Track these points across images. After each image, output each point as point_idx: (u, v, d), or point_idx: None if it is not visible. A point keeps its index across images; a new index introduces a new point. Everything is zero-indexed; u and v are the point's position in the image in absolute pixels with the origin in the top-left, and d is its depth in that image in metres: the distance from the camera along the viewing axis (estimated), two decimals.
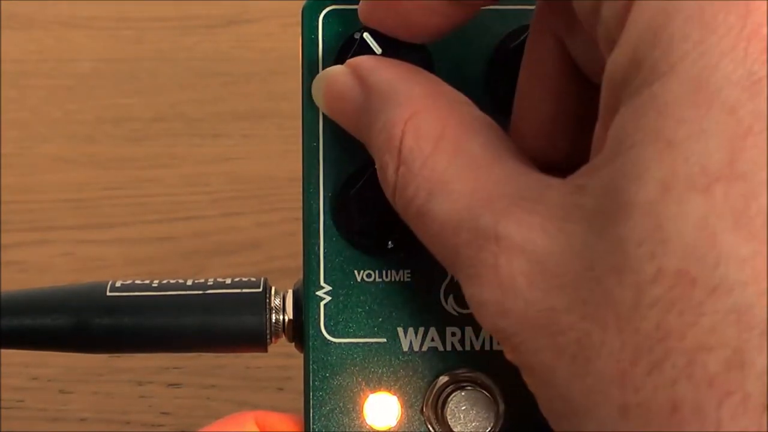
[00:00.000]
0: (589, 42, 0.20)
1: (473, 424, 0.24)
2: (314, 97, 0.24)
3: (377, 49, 0.24)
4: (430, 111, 0.21)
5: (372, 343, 0.25)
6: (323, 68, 0.25)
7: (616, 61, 0.18)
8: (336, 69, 0.23)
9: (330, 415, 0.25)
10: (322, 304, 0.25)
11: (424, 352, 0.25)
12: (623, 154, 0.17)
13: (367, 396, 0.25)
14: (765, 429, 0.16)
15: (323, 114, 0.25)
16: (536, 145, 0.22)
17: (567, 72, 0.22)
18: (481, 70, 0.25)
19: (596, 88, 0.20)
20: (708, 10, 0.17)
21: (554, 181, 0.19)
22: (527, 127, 0.22)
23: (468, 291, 0.19)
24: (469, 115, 0.21)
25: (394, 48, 0.24)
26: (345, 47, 0.24)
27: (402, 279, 0.25)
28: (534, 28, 0.22)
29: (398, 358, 0.25)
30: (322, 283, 0.25)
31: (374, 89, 0.22)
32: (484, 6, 0.22)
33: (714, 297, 0.16)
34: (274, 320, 0.26)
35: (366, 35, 0.24)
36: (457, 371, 0.25)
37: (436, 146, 0.20)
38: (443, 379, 0.25)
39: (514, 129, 0.23)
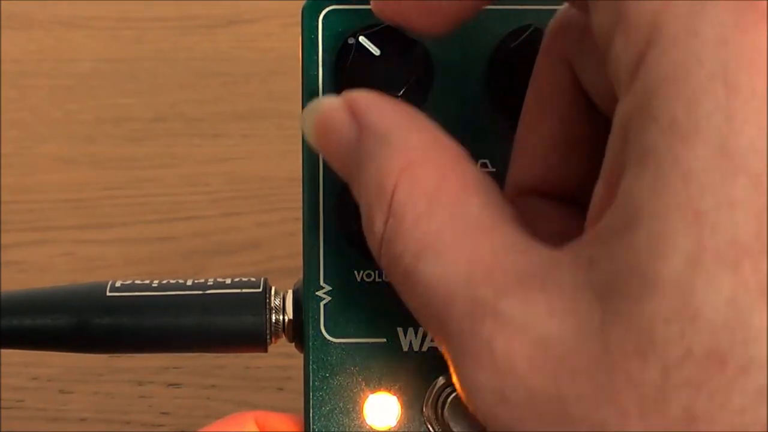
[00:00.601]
0: (599, 67, 0.19)
1: (473, 425, 0.24)
2: (303, 126, 0.22)
3: (375, 51, 0.24)
4: (427, 164, 0.19)
5: (372, 343, 0.25)
6: (323, 68, 0.25)
7: (627, 109, 0.17)
8: (330, 101, 0.21)
9: (330, 415, 0.25)
10: (322, 304, 0.25)
11: (424, 352, 0.25)
12: (644, 226, 0.16)
13: (367, 396, 0.25)
14: None
15: None
16: (540, 168, 0.21)
17: (575, 97, 0.21)
18: (481, 70, 0.25)
19: (603, 116, 0.20)
20: (731, 69, 0.16)
21: (560, 256, 0.18)
22: (531, 150, 0.22)
23: (460, 372, 0.18)
24: (468, 173, 0.20)
25: (391, 49, 0.24)
26: (342, 52, 0.24)
27: None
28: (544, 50, 0.22)
29: (398, 358, 0.25)
30: (322, 283, 0.25)
31: (369, 130, 0.20)
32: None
33: (744, 376, 0.15)
34: (274, 320, 0.26)
35: (362, 38, 0.24)
36: None
37: (431, 204, 0.19)
38: (443, 379, 0.25)
39: (517, 152, 0.22)
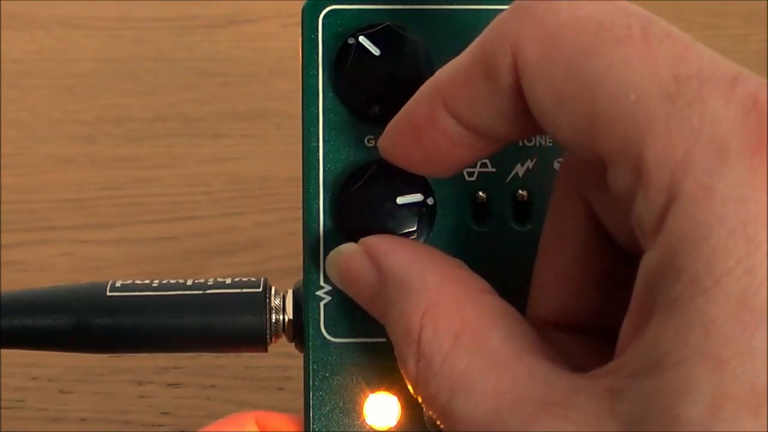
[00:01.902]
0: (616, 206, 0.20)
1: None
2: (328, 273, 0.24)
3: (375, 51, 0.24)
4: (447, 302, 0.20)
5: (372, 343, 0.25)
6: (323, 68, 0.25)
7: (652, 262, 0.18)
8: (350, 248, 0.23)
9: (330, 415, 0.25)
10: (322, 304, 0.25)
11: None
12: (670, 370, 0.17)
13: (367, 396, 0.25)
14: None
15: (323, 114, 0.25)
16: (556, 298, 0.22)
17: (592, 232, 0.21)
18: None
19: (622, 251, 0.20)
20: (751, 225, 0.17)
21: (583, 383, 0.18)
22: (550, 283, 0.22)
23: None
24: (488, 306, 0.21)
25: (391, 49, 0.24)
26: (342, 52, 0.24)
27: None
28: (559, 184, 0.22)
29: None
30: (322, 283, 0.25)
31: (389, 275, 0.22)
32: (507, 144, 0.22)
33: None
34: (274, 320, 0.26)
35: (362, 38, 0.24)
36: None
37: (456, 341, 0.20)
38: None
39: (536, 284, 0.22)
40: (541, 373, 0.19)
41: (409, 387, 0.21)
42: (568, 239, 0.22)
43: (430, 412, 0.20)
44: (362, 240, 0.23)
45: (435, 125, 0.21)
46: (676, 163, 0.17)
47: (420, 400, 0.21)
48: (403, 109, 0.22)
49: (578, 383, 0.18)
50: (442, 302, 0.20)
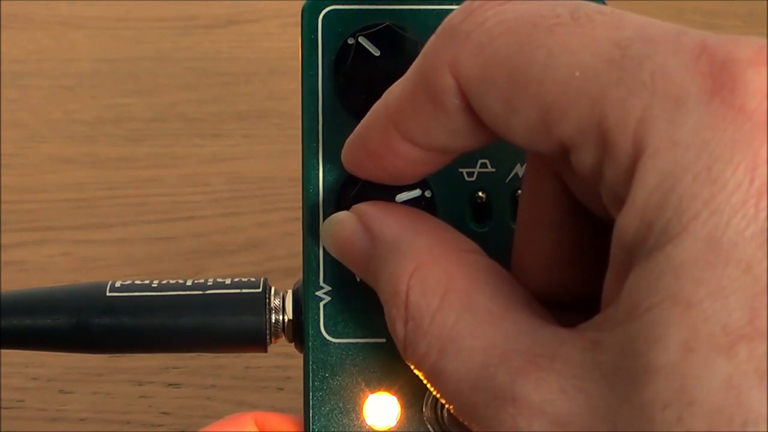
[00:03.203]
0: (587, 183, 0.20)
1: None
2: (322, 241, 0.24)
3: (375, 51, 0.24)
4: (435, 263, 0.21)
5: (372, 343, 0.25)
6: (323, 68, 0.25)
7: (625, 223, 0.18)
8: (343, 216, 0.23)
9: (330, 415, 0.25)
10: (321, 304, 0.25)
11: None
12: (641, 317, 0.17)
13: (367, 396, 0.25)
14: None
15: (323, 114, 0.25)
16: (538, 275, 0.22)
17: (566, 204, 0.21)
18: None
19: (597, 219, 0.20)
20: (715, 168, 0.16)
21: (567, 335, 0.19)
22: (528, 258, 0.22)
23: None
24: (475, 265, 0.21)
25: (391, 49, 0.24)
26: (342, 52, 0.24)
27: None
28: (530, 160, 0.22)
29: (398, 358, 0.25)
30: (321, 283, 0.25)
31: (380, 238, 0.22)
32: (463, 153, 0.22)
33: None
34: (273, 320, 0.26)
35: (361, 39, 0.24)
36: None
37: (443, 300, 0.20)
38: None
39: (515, 260, 0.22)
40: (527, 327, 0.19)
41: (400, 351, 0.21)
42: (544, 214, 0.22)
43: (420, 374, 0.21)
44: (354, 207, 0.23)
45: (392, 151, 0.21)
46: (637, 122, 0.17)
47: (409, 363, 0.21)
48: (358, 131, 0.22)
49: (564, 336, 0.19)
50: (429, 263, 0.21)
